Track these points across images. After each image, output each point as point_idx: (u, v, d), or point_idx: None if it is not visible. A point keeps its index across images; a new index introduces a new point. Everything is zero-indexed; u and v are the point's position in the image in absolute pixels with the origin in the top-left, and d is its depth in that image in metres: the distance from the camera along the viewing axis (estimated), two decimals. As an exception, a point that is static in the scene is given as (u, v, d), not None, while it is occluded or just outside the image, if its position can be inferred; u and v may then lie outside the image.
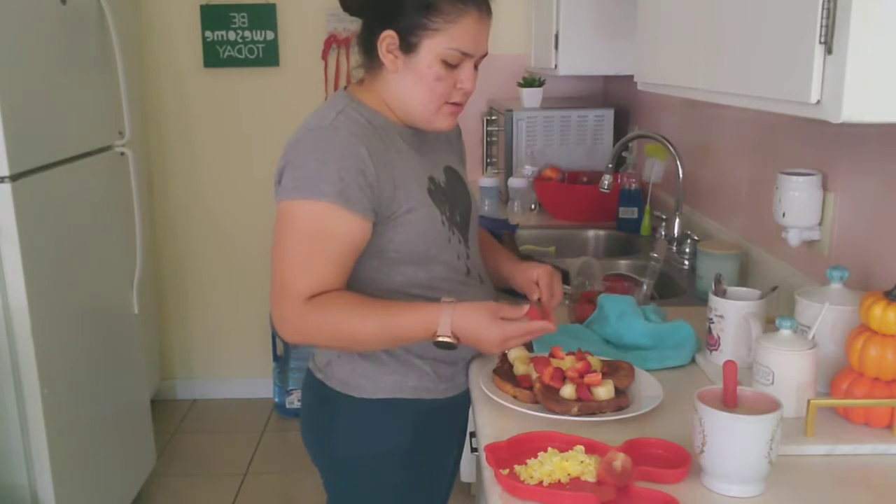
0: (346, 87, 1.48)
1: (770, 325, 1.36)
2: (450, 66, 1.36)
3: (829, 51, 0.95)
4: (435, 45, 1.34)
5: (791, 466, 1.13)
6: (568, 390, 1.28)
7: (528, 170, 2.91)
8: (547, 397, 1.28)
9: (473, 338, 1.30)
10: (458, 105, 1.41)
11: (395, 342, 1.37)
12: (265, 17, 3.44)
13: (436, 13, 1.33)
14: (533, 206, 2.93)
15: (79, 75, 2.45)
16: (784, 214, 1.59)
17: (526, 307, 1.33)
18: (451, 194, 1.47)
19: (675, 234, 2.21)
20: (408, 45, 1.35)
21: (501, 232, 2.34)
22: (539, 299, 1.49)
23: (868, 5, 0.90)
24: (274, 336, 3.59)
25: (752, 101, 1.18)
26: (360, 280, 1.39)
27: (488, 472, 1.13)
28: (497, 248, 1.69)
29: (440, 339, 1.29)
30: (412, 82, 1.37)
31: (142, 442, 2.89)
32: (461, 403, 1.54)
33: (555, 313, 1.39)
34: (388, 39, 1.36)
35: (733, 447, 1.04)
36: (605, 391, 1.28)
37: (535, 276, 1.53)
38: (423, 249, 1.40)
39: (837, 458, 1.17)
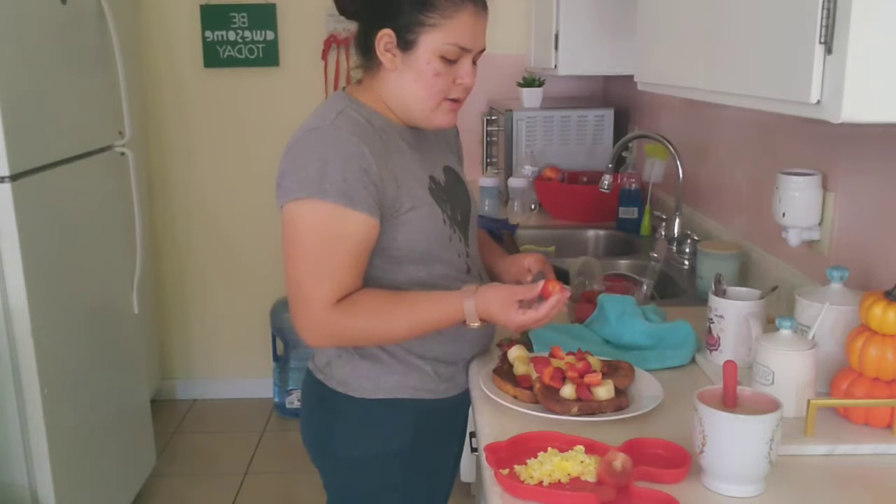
0: (344, 88, 1.48)
1: (770, 325, 1.36)
2: (448, 61, 1.36)
3: (829, 51, 0.95)
4: (432, 41, 1.34)
5: (791, 466, 1.13)
6: (568, 390, 1.28)
7: (528, 170, 2.91)
8: (547, 397, 1.28)
9: (497, 319, 1.35)
10: (458, 101, 1.41)
11: (424, 335, 1.41)
12: (265, 17, 3.44)
13: (432, 9, 1.33)
14: (533, 206, 2.93)
15: (79, 75, 2.45)
16: (784, 214, 1.59)
17: (540, 284, 1.34)
18: (451, 193, 1.47)
19: (675, 234, 2.21)
20: (405, 43, 1.35)
21: (501, 232, 2.34)
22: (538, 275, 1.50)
23: (868, 5, 0.90)
24: (274, 336, 3.59)
25: (752, 101, 1.18)
26: (363, 278, 1.39)
27: (488, 472, 1.13)
28: (492, 246, 1.70)
29: (472, 325, 1.35)
30: (411, 80, 1.37)
31: (142, 442, 2.89)
32: (461, 403, 1.54)
33: None
34: (385, 38, 1.36)
35: (733, 447, 1.04)
36: (605, 391, 1.28)
37: (527, 264, 1.54)
38: (424, 248, 1.40)
39: (837, 458, 1.17)
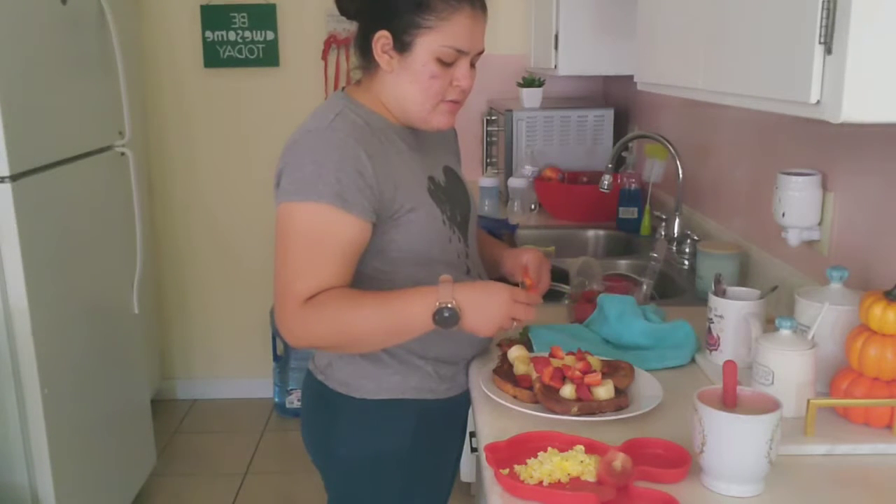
0: (343, 89, 1.48)
1: (770, 325, 1.36)
2: (445, 64, 1.35)
3: (828, 51, 0.95)
4: (429, 43, 1.34)
5: (791, 466, 1.13)
6: (568, 390, 1.28)
7: (528, 170, 2.91)
8: (547, 397, 1.28)
9: (479, 302, 1.27)
10: (456, 103, 1.41)
11: (395, 329, 1.32)
12: (265, 18, 3.44)
13: (428, 11, 1.32)
14: (533, 206, 2.93)
15: (79, 75, 2.45)
16: (784, 214, 1.60)
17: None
18: (450, 194, 1.47)
19: (675, 234, 2.21)
20: (402, 45, 1.35)
21: (501, 232, 2.34)
22: (524, 282, 1.45)
23: (868, 5, 0.90)
24: (274, 336, 3.59)
25: (752, 101, 1.18)
26: (362, 280, 1.39)
27: (488, 472, 1.13)
28: (493, 240, 1.70)
29: (443, 306, 1.25)
30: (408, 82, 1.37)
31: (142, 442, 2.89)
32: (462, 403, 1.54)
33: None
34: (382, 40, 1.36)
35: (733, 447, 1.04)
36: (604, 391, 1.28)
37: (525, 261, 1.52)
38: (424, 249, 1.40)
39: (837, 458, 1.17)
